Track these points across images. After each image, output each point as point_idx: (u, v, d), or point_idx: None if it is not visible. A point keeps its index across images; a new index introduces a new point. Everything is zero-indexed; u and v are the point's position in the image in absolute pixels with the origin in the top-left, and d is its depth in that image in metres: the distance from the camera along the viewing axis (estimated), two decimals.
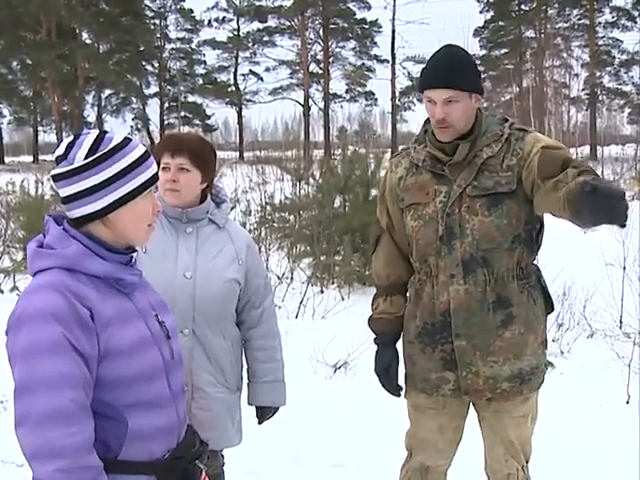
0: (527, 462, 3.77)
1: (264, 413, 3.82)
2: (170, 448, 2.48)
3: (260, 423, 3.86)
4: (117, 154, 2.38)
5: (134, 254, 2.53)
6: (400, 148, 3.95)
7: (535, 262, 3.70)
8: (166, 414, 2.48)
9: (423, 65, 3.62)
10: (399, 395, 3.79)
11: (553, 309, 3.76)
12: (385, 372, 3.76)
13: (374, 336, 3.86)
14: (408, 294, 3.81)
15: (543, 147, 3.40)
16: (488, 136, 3.52)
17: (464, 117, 3.48)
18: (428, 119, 3.64)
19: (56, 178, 2.40)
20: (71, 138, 2.43)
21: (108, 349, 2.33)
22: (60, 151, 2.40)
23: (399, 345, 3.80)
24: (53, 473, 2.14)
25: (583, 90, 60.62)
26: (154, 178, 2.48)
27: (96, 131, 2.44)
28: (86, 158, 2.35)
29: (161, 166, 3.54)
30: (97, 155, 2.35)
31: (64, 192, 2.39)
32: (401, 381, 3.80)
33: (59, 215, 2.48)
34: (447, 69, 3.43)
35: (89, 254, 2.37)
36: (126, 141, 2.43)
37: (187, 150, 3.56)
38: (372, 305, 3.88)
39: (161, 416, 2.45)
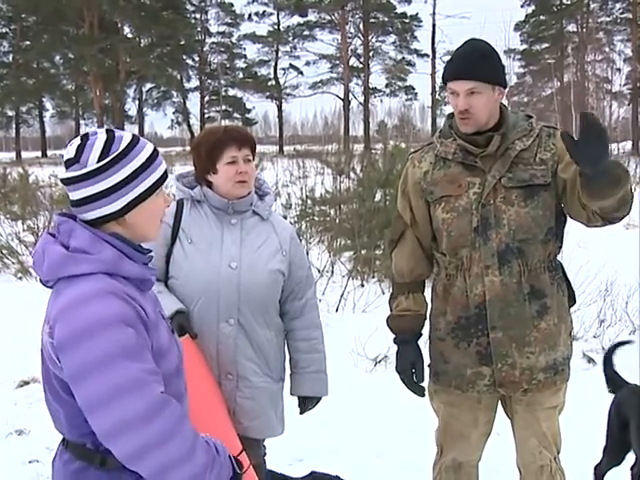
0: (558, 453, 3.78)
1: (307, 403, 3.85)
2: None
3: (302, 413, 3.89)
4: (129, 155, 2.37)
5: (151, 254, 2.53)
6: (421, 144, 3.95)
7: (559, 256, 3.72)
8: (185, 407, 2.54)
9: None
10: (423, 395, 3.77)
11: (575, 302, 3.77)
12: (408, 371, 3.74)
13: (394, 336, 3.82)
14: (430, 291, 3.79)
15: None
16: (519, 130, 3.55)
17: (486, 109, 3.50)
18: (450, 114, 3.69)
19: (68, 182, 2.38)
20: (79, 140, 2.40)
21: (158, 347, 2.36)
22: (70, 154, 2.37)
23: (423, 343, 3.78)
24: (177, 453, 2.24)
25: (625, 85, 60.01)
26: (165, 175, 2.49)
27: (104, 131, 2.42)
28: (99, 161, 2.34)
29: (225, 160, 3.57)
30: (111, 157, 2.35)
31: (77, 195, 2.36)
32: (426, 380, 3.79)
33: (69, 214, 2.44)
34: (469, 61, 3.46)
35: (122, 257, 2.37)
36: (135, 140, 2.42)
37: (250, 141, 3.64)
38: (391, 304, 3.84)
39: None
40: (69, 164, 2.37)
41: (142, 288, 2.46)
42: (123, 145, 2.38)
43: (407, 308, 3.76)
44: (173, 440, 2.22)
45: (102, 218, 2.38)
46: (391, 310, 3.84)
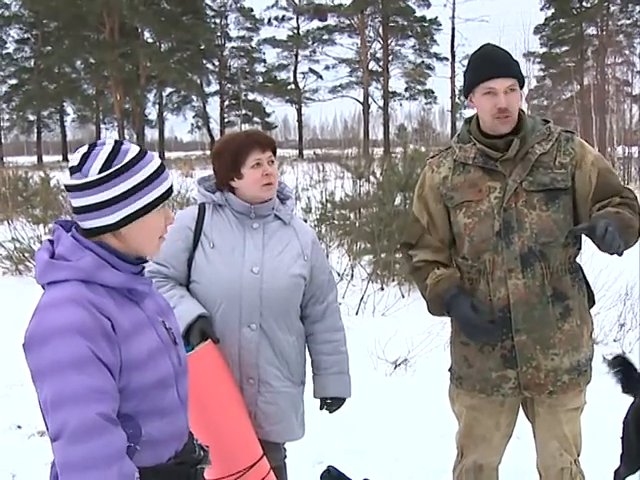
0: (578, 455, 3.78)
1: (331, 405, 3.83)
2: (175, 453, 2.50)
3: (330, 413, 3.87)
4: (132, 168, 2.35)
5: (145, 264, 2.51)
6: (437, 149, 3.96)
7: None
8: (175, 420, 2.50)
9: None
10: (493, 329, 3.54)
11: (594, 303, 3.78)
12: (472, 315, 3.50)
13: (439, 313, 3.70)
14: None
15: (600, 168, 3.55)
16: (537, 134, 3.58)
17: (517, 108, 3.54)
18: (468, 118, 3.73)
19: (69, 189, 2.38)
20: (86, 149, 2.39)
21: (129, 360, 2.33)
22: (74, 162, 2.37)
23: (444, 346, 3.74)
24: None
25: None
26: (168, 192, 2.46)
27: (112, 142, 2.40)
28: (100, 172, 2.33)
29: (250, 164, 3.57)
30: (112, 170, 2.33)
31: (76, 203, 2.37)
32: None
33: (67, 221, 2.46)
34: (505, 59, 3.52)
35: (104, 265, 2.35)
36: (142, 154, 2.40)
37: (272, 143, 3.66)
38: (422, 282, 3.72)
39: (171, 422, 2.47)
40: (72, 171, 2.37)
41: (133, 298, 2.44)
42: (127, 158, 2.36)
43: (442, 274, 3.64)
44: (92, 472, 2.15)
45: (98, 229, 2.38)
46: (425, 285, 3.70)
